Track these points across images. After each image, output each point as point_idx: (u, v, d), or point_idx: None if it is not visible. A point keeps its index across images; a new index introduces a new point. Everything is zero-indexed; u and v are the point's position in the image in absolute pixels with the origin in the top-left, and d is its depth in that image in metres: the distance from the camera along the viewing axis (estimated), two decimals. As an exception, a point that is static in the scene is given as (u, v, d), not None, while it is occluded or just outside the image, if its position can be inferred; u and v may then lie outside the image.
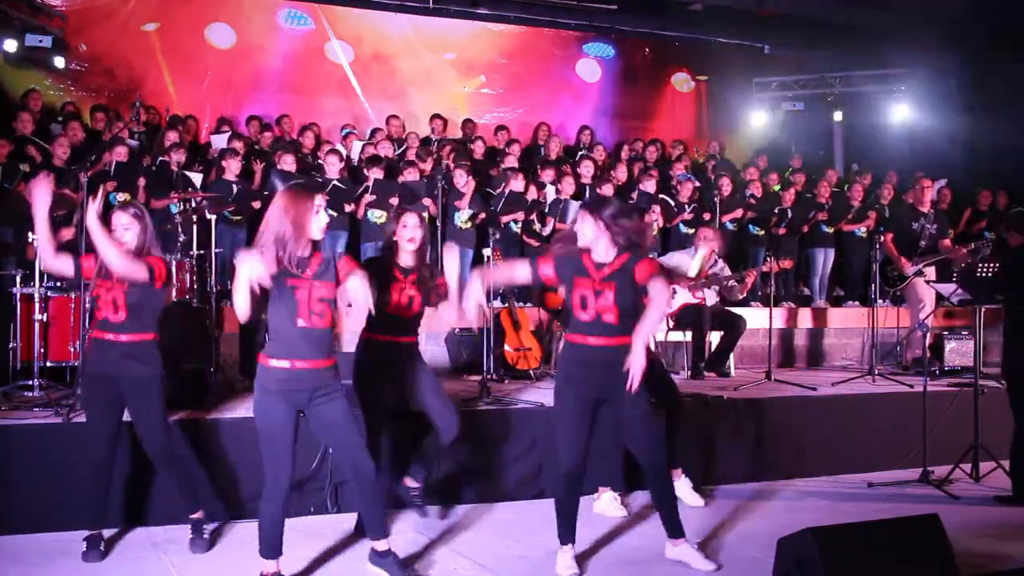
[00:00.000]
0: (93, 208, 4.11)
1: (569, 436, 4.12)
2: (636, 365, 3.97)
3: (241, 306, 3.59)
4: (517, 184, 9.09)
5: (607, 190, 9.33)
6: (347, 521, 4.94)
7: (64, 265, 4.31)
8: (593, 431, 4.20)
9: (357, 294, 3.79)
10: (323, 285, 3.77)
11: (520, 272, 4.39)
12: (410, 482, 4.94)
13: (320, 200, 3.77)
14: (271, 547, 3.85)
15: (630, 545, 4.74)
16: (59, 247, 4.34)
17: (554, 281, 4.23)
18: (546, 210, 9.28)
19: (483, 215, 8.88)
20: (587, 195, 9.51)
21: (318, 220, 3.74)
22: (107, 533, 4.53)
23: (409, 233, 4.61)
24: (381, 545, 4.06)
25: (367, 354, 4.69)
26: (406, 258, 4.66)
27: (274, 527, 3.83)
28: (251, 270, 3.54)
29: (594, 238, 4.11)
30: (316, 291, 3.75)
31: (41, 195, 4.13)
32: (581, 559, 4.35)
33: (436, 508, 5.20)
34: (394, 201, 8.64)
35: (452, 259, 4.35)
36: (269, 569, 3.86)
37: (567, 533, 4.23)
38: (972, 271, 6.48)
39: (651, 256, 4.37)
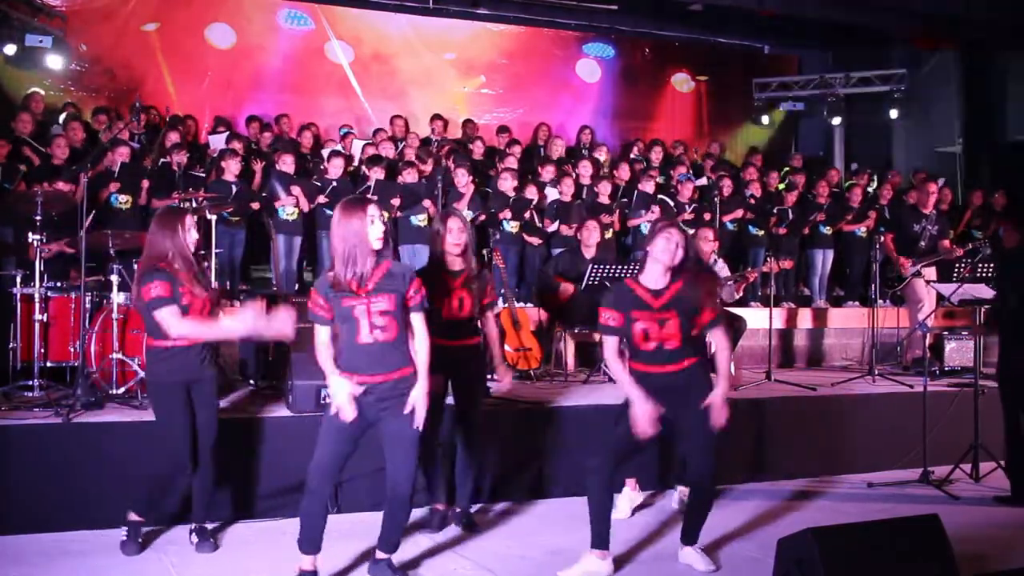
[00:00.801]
0: (239, 328, 4.33)
1: (623, 439, 4.15)
2: (718, 410, 4.11)
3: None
4: (505, 184, 9.05)
5: (605, 189, 9.32)
6: (347, 521, 4.95)
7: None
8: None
9: (417, 330, 3.88)
10: (385, 298, 3.77)
11: (611, 344, 4.24)
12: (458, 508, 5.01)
13: (373, 210, 3.78)
14: (308, 541, 3.88)
15: (626, 545, 4.73)
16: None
17: (620, 322, 4.17)
18: (543, 208, 9.26)
19: (483, 216, 8.88)
20: (585, 196, 9.51)
21: (374, 229, 3.75)
22: (112, 532, 4.52)
23: (454, 239, 4.64)
24: (382, 555, 4.07)
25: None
26: (453, 261, 4.69)
27: (310, 521, 3.86)
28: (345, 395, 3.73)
29: (673, 260, 4.09)
30: (375, 305, 3.76)
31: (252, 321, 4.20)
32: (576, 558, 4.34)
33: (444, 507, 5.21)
34: (395, 202, 8.64)
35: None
36: (305, 565, 3.89)
37: (600, 538, 4.20)
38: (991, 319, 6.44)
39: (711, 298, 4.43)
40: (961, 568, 3.74)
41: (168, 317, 4.16)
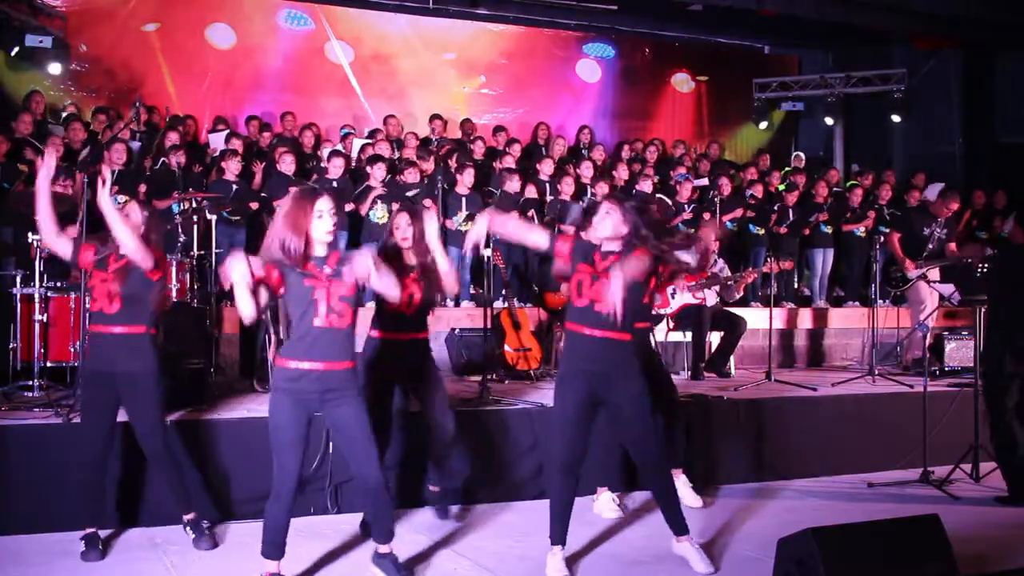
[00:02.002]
0: (105, 191, 4.14)
1: (565, 430, 4.10)
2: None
3: (244, 309, 3.59)
4: (512, 185, 9.08)
5: (603, 189, 9.33)
6: (347, 521, 4.95)
7: (63, 247, 4.36)
8: (592, 429, 4.19)
9: (361, 264, 3.74)
10: (343, 284, 3.76)
11: (536, 236, 4.26)
12: (432, 487, 5.00)
13: (323, 204, 3.74)
14: (274, 547, 3.84)
15: (625, 545, 4.74)
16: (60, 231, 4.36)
17: (566, 259, 4.10)
18: (544, 209, 9.27)
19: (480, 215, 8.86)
20: (586, 196, 9.51)
21: (322, 224, 3.73)
22: (103, 533, 4.52)
23: (401, 233, 4.63)
24: (383, 548, 4.06)
25: (371, 352, 4.70)
26: (406, 255, 4.68)
27: (278, 527, 3.82)
28: (241, 272, 3.54)
29: (611, 236, 4.04)
30: (336, 289, 3.74)
31: (46, 168, 4.16)
32: (574, 559, 4.34)
33: (456, 508, 5.22)
34: (396, 205, 8.61)
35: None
36: (270, 569, 3.85)
37: (558, 534, 4.18)
38: (966, 268, 6.45)
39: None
40: (961, 568, 3.74)
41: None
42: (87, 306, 5.49)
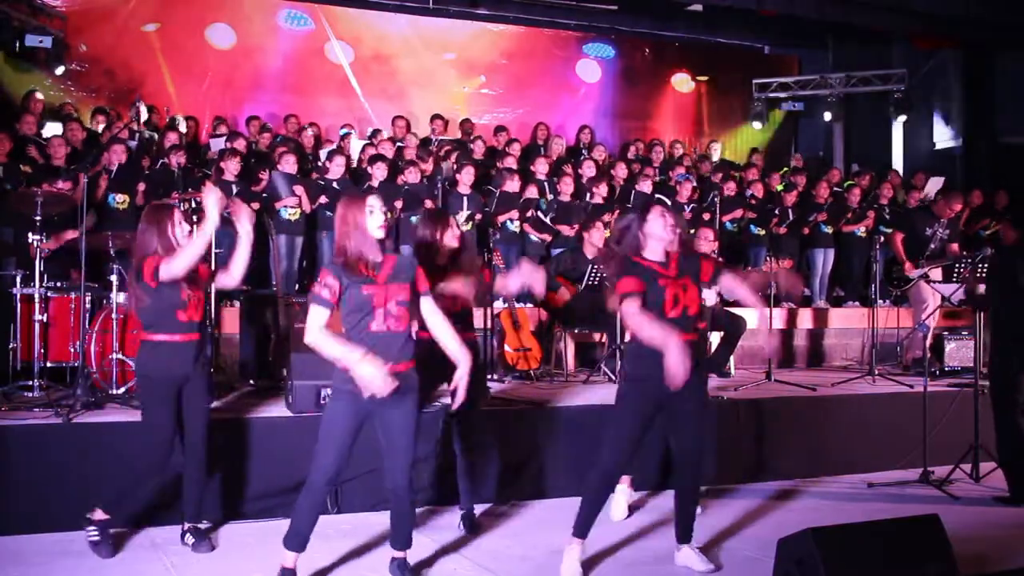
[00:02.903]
0: (212, 221, 4.22)
1: (623, 437, 4.15)
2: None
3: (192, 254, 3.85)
4: (512, 184, 9.07)
5: (602, 189, 9.33)
6: (347, 521, 4.95)
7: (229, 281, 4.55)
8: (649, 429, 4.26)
9: (429, 316, 3.93)
10: (400, 288, 3.80)
11: (638, 305, 4.14)
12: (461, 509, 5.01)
13: (373, 200, 3.82)
14: (298, 540, 3.86)
15: (634, 546, 4.73)
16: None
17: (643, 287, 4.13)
18: (543, 207, 9.26)
19: (479, 216, 8.87)
20: (586, 196, 9.51)
21: (374, 219, 3.78)
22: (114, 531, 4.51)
23: (455, 232, 4.68)
24: (398, 554, 4.08)
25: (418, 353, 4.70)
26: (444, 256, 4.69)
27: (305, 520, 3.85)
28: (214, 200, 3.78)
29: (671, 242, 4.16)
30: (393, 294, 3.78)
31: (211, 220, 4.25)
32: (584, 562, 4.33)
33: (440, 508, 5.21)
34: (398, 204, 8.64)
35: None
36: (288, 563, 3.88)
37: (582, 527, 4.19)
38: (974, 289, 6.47)
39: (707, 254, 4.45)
40: (961, 568, 3.74)
41: (167, 266, 4.19)
42: (90, 310, 5.56)
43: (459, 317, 4.68)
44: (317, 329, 3.69)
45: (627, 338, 4.35)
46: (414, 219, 8.74)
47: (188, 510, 4.52)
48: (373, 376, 3.58)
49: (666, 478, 5.64)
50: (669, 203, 9.80)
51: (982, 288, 6.30)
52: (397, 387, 3.67)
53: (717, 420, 6.19)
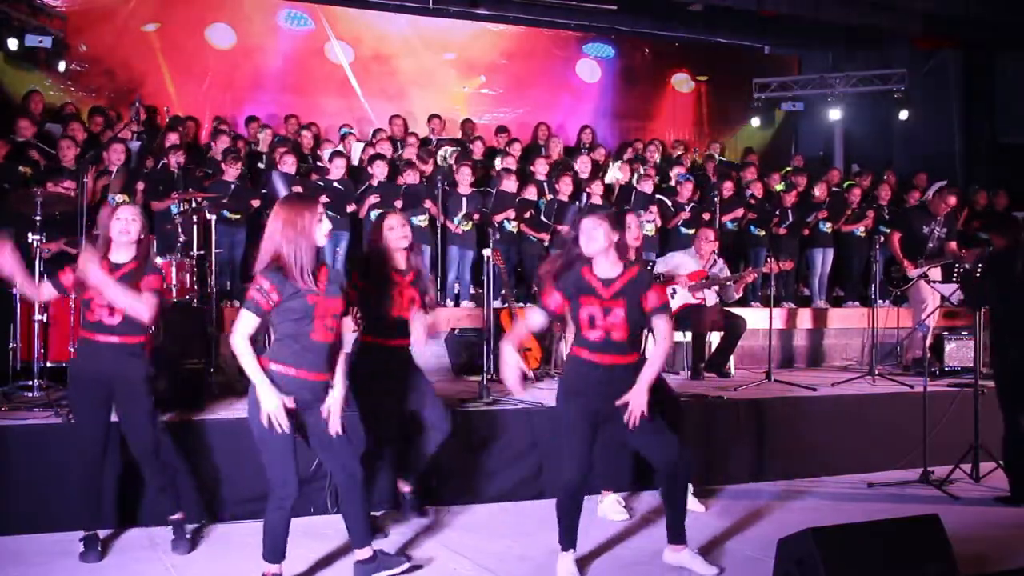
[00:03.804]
0: (95, 267, 4.13)
1: (573, 450, 4.10)
2: (637, 404, 3.99)
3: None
4: (508, 184, 9.06)
5: (598, 188, 9.32)
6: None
7: (48, 292, 4.48)
8: (597, 438, 4.19)
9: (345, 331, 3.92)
10: (335, 301, 3.80)
11: (535, 320, 4.25)
12: (403, 486, 4.97)
13: (321, 208, 3.79)
14: (274, 551, 3.84)
15: (632, 548, 4.73)
16: (50, 256, 4.35)
17: (562, 307, 4.14)
18: (541, 207, 9.26)
19: (477, 215, 8.87)
20: (584, 195, 9.51)
21: (323, 227, 3.75)
22: (102, 533, 4.52)
23: (398, 234, 4.64)
24: (362, 554, 4.03)
25: (367, 358, 4.68)
26: (399, 259, 4.67)
27: (279, 531, 3.83)
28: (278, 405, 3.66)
29: (605, 248, 4.05)
30: (330, 307, 3.77)
31: (3, 256, 4.22)
32: (581, 563, 4.32)
33: (433, 509, 5.20)
34: (398, 204, 8.63)
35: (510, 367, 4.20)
36: (271, 571, 3.86)
37: (568, 539, 4.18)
38: (970, 276, 6.51)
39: (659, 282, 4.34)
40: (961, 568, 3.74)
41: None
42: (83, 314, 5.54)
43: (404, 325, 4.64)
44: (244, 336, 3.65)
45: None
46: (414, 219, 8.75)
47: (165, 505, 4.54)
48: (273, 410, 3.63)
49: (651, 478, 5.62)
50: (669, 203, 9.80)
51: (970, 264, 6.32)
52: (320, 396, 3.78)
53: (718, 420, 6.20)
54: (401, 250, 4.68)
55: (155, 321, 4.37)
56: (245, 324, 3.65)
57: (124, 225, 4.29)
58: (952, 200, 8.67)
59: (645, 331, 4.37)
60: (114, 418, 4.40)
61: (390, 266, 4.66)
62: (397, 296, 4.62)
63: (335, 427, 3.84)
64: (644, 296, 4.04)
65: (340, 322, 3.85)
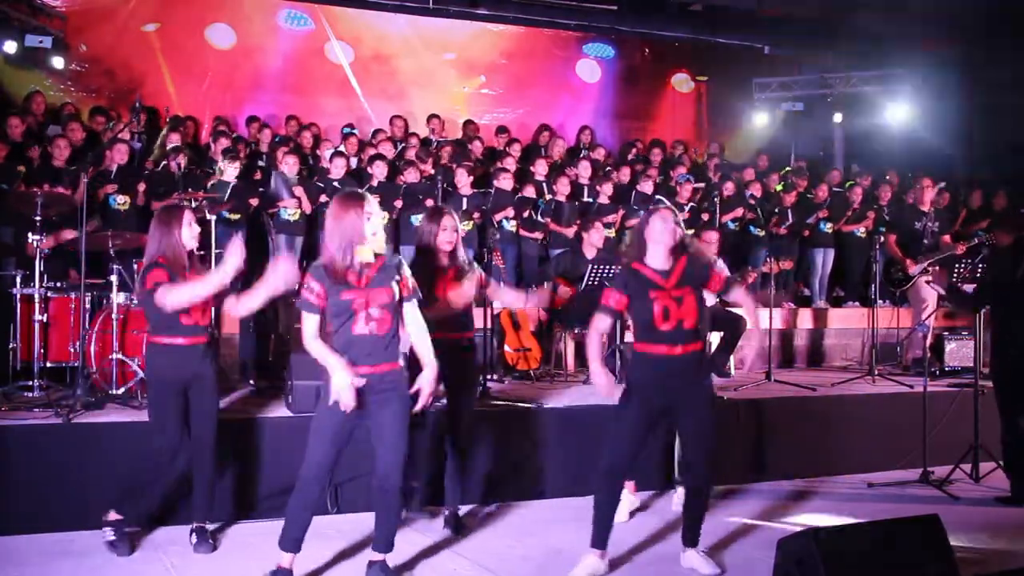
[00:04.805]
0: (227, 270, 4.13)
1: (623, 441, 4.15)
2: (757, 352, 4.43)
3: (253, 305, 3.62)
4: (505, 182, 9.06)
5: (606, 189, 9.32)
6: (347, 521, 4.95)
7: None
8: (648, 441, 4.27)
9: (411, 321, 3.92)
10: (381, 291, 3.80)
11: (603, 324, 4.27)
12: (412, 482, 4.97)
13: (371, 205, 3.81)
14: (291, 540, 3.86)
15: (640, 547, 4.72)
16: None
17: (625, 303, 4.19)
18: (541, 207, 9.25)
19: (477, 214, 8.87)
20: (585, 196, 9.50)
21: (371, 225, 3.78)
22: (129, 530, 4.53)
23: (448, 236, 4.68)
24: (377, 557, 4.04)
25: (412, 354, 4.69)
26: (443, 258, 4.69)
27: (298, 520, 3.85)
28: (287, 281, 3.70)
29: (671, 241, 4.15)
30: (374, 298, 3.78)
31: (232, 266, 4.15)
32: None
33: (435, 508, 5.20)
34: (397, 204, 8.63)
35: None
36: (285, 563, 3.88)
37: (601, 537, 4.18)
38: (956, 289, 6.51)
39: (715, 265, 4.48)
40: (961, 568, 3.74)
41: (163, 293, 4.16)
42: (90, 310, 5.52)
43: (456, 317, 4.68)
44: (312, 336, 3.76)
45: (628, 339, 4.38)
46: (414, 219, 8.76)
47: (196, 510, 4.53)
48: (341, 387, 3.68)
49: (669, 479, 5.64)
50: (669, 203, 9.79)
51: (969, 288, 6.33)
52: (381, 391, 3.78)
53: (717, 420, 6.17)
54: (446, 251, 4.71)
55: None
56: (308, 325, 3.77)
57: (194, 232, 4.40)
58: (927, 181, 8.67)
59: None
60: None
61: (434, 263, 4.68)
62: (439, 292, 4.63)
63: (421, 403, 3.86)
64: (708, 281, 4.22)
65: (391, 312, 3.82)
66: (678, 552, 4.41)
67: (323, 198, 8.51)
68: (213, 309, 4.47)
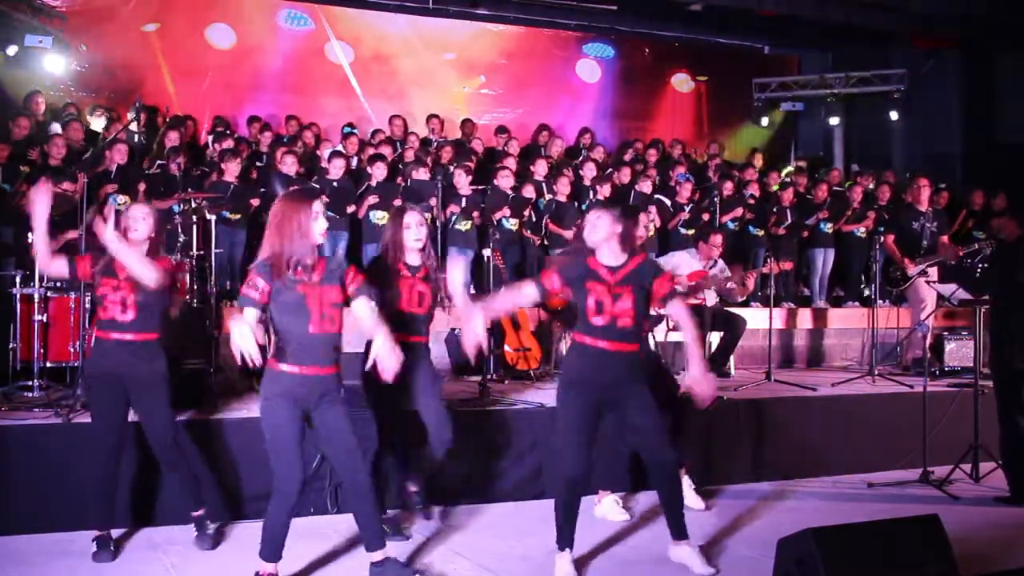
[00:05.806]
0: (110, 227, 4.06)
1: (573, 444, 4.09)
2: (704, 389, 4.09)
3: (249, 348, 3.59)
4: (503, 181, 9.05)
5: (606, 190, 9.31)
6: (347, 521, 4.92)
7: (59, 267, 4.33)
8: (597, 434, 4.19)
9: (363, 315, 3.86)
10: (331, 289, 3.80)
11: (527, 294, 4.25)
12: (410, 486, 4.95)
13: (319, 205, 3.80)
14: (272, 550, 3.84)
15: (631, 547, 4.74)
16: (56, 249, 4.34)
17: (560, 290, 4.17)
18: (540, 207, 9.25)
19: (476, 214, 8.86)
20: (586, 196, 9.50)
21: (318, 225, 3.77)
22: (115, 533, 4.51)
23: (414, 234, 4.61)
24: (377, 556, 4.01)
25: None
26: (412, 257, 4.67)
27: (277, 531, 3.82)
28: (244, 337, 3.58)
29: (607, 238, 4.10)
30: (327, 296, 3.77)
31: (40, 201, 4.15)
32: (580, 563, 4.33)
33: (439, 509, 5.20)
34: (397, 203, 8.61)
35: (456, 268, 4.21)
36: (266, 571, 3.85)
37: (566, 538, 4.19)
38: (965, 267, 6.50)
39: (664, 270, 4.38)
40: (961, 568, 3.74)
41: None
42: (90, 310, 5.49)
43: (422, 319, 4.66)
44: (245, 326, 3.65)
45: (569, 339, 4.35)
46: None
47: (188, 502, 4.54)
48: (244, 341, 3.57)
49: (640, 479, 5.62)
50: (668, 203, 9.80)
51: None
52: (328, 392, 3.78)
53: (717, 420, 6.19)
54: (416, 249, 4.67)
55: (168, 307, 4.42)
56: (248, 316, 3.68)
57: (132, 223, 4.30)
58: (923, 180, 8.68)
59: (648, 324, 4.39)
60: (131, 417, 4.40)
61: (400, 262, 4.65)
62: (405, 291, 4.60)
63: (390, 374, 3.80)
64: (652, 284, 4.11)
65: (341, 312, 3.83)
66: (661, 554, 4.38)
67: (323, 198, 8.51)
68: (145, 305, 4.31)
